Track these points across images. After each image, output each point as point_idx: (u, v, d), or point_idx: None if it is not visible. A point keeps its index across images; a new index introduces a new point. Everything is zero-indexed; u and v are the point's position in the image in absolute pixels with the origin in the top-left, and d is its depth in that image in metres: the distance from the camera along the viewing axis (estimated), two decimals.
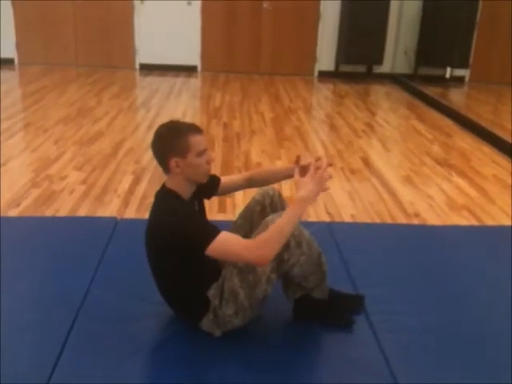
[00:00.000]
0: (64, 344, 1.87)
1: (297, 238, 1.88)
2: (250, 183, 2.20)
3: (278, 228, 1.74)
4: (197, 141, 1.83)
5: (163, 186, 1.91)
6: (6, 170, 3.73)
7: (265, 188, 2.18)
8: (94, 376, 1.76)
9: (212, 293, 1.89)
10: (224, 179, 2.17)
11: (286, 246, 1.85)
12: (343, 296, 2.16)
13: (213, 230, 1.76)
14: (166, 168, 1.86)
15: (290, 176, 2.07)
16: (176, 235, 1.77)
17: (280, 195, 2.17)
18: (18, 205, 3.15)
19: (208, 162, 1.88)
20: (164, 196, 1.88)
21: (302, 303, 2.05)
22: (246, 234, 2.05)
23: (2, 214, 3.00)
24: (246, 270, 1.86)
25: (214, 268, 1.95)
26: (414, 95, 6.95)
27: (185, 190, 1.87)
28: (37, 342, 1.90)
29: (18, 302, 2.12)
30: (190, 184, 1.89)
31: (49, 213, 3.06)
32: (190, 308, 1.94)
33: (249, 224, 2.11)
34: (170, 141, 1.83)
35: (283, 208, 2.11)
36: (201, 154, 1.84)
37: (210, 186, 2.09)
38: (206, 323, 1.92)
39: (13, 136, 4.50)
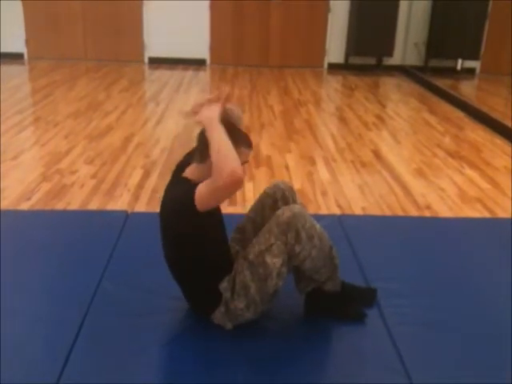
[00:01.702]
0: (75, 339, 1.87)
1: (308, 232, 1.88)
2: None
3: (215, 151, 1.68)
4: (246, 153, 1.83)
5: (179, 176, 1.87)
6: (17, 163, 3.74)
7: (276, 182, 2.18)
8: (105, 371, 1.76)
9: (224, 286, 1.89)
10: None
11: (298, 239, 1.85)
12: (355, 289, 2.15)
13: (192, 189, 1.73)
14: (203, 157, 1.80)
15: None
16: (177, 212, 1.77)
17: (291, 188, 2.16)
18: (29, 198, 3.16)
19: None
20: (183, 184, 1.82)
21: (313, 296, 2.04)
22: (258, 227, 2.05)
23: (14, 208, 3.02)
24: (257, 263, 1.86)
25: (227, 260, 1.95)
26: (425, 87, 6.89)
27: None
28: (48, 336, 1.90)
29: (28, 296, 2.13)
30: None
31: (59, 206, 3.07)
32: (204, 300, 1.94)
33: (260, 217, 2.10)
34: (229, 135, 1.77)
35: (294, 201, 2.10)
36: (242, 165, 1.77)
37: None
38: (218, 316, 1.92)
39: (23, 130, 4.52)
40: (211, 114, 1.77)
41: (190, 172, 1.86)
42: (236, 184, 1.66)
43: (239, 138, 1.82)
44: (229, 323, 1.92)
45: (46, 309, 2.05)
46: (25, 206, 3.06)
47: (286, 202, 2.07)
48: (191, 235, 1.82)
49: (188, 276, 1.93)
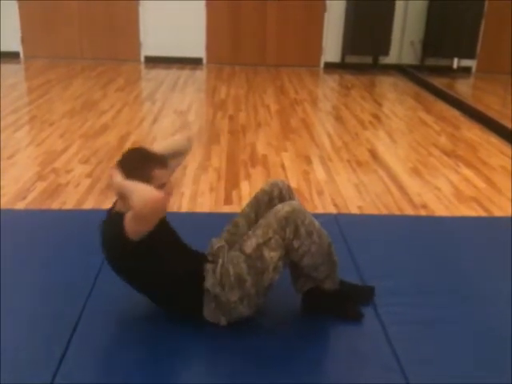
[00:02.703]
0: (70, 338, 1.87)
1: (307, 227, 1.88)
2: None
3: (129, 194, 1.73)
4: (160, 174, 1.83)
5: (111, 212, 1.91)
6: (13, 163, 3.73)
7: (274, 180, 2.19)
8: (101, 369, 1.76)
9: (210, 283, 1.88)
10: None
11: (297, 235, 1.85)
12: (353, 287, 2.15)
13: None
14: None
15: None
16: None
17: (289, 187, 2.16)
18: (24, 198, 3.15)
19: (169, 194, 1.89)
20: (114, 219, 1.85)
21: (311, 295, 2.04)
22: (251, 223, 2.05)
23: (9, 207, 3.01)
24: (254, 256, 1.86)
25: (194, 262, 1.95)
26: (421, 86, 6.90)
27: None
28: (43, 335, 1.90)
29: (23, 295, 2.12)
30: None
31: (55, 206, 3.06)
32: (186, 304, 1.94)
33: (254, 213, 2.10)
34: (136, 165, 1.82)
35: (291, 199, 2.10)
36: (161, 186, 1.82)
37: None
38: (209, 313, 1.91)
39: (19, 129, 4.50)
40: (113, 180, 1.81)
41: (118, 205, 1.88)
42: (152, 203, 1.68)
43: (152, 160, 1.84)
44: (223, 318, 1.92)
45: (41, 308, 2.04)
46: (20, 205, 3.05)
47: (283, 201, 2.07)
48: (141, 264, 1.84)
49: (160, 296, 1.95)
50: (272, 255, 1.86)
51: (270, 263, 1.86)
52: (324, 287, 2.02)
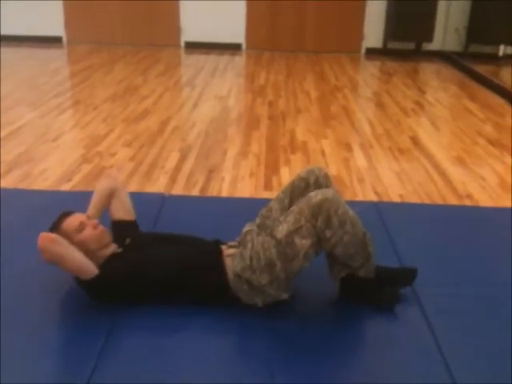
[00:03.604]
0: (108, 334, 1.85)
1: (340, 217, 1.86)
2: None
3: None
4: (69, 223, 1.96)
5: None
6: (58, 145, 3.82)
7: (311, 167, 2.18)
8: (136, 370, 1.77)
9: (240, 267, 1.91)
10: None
11: (329, 225, 1.84)
12: (392, 272, 2.12)
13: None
14: None
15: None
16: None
17: (326, 175, 2.15)
18: (70, 180, 3.23)
19: (95, 227, 1.98)
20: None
21: (347, 282, 2.03)
22: (284, 208, 2.06)
23: (55, 189, 3.08)
24: (285, 242, 1.86)
25: (206, 255, 2.00)
26: (465, 73, 6.72)
27: (98, 258, 1.96)
28: (82, 327, 1.91)
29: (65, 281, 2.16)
30: (97, 252, 1.97)
31: None
32: (216, 292, 1.97)
33: (289, 198, 2.10)
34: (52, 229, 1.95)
35: (328, 187, 2.08)
36: (80, 229, 1.94)
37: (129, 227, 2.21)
38: (245, 296, 1.93)
39: (63, 113, 4.60)
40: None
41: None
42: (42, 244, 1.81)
43: (56, 223, 1.99)
44: (258, 300, 1.93)
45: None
46: (66, 187, 3.12)
47: (319, 188, 2.06)
48: (137, 284, 1.94)
49: (186, 294, 1.98)
50: (303, 243, 1.85)
51: (301, 250, 1.86)
52: (359, 274, 2.01)
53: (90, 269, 1.89)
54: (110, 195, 2.23)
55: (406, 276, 2.12)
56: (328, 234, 1.85)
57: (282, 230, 1.88)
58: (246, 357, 1.79)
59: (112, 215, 2.23)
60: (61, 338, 1.83)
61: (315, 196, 1.88)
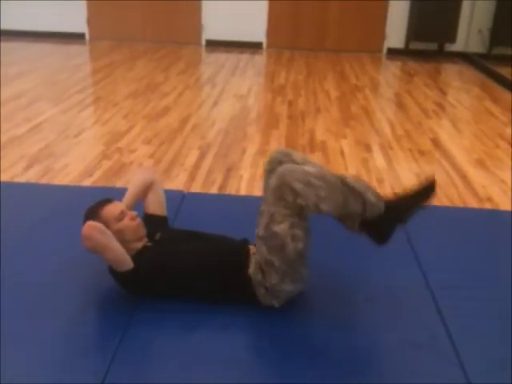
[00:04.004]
0: (124, 331, 1.86)
1: (302, 180, 1.82)
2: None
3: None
4: (109, 210, 1.97)
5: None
6: (79, 141, 3.86)
7: (270, 153, 2.12)
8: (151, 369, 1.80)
9: (252, 270, 1.92)
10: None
11: (295, 193, 1.80)
12: (405, 199, 2.00)
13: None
14: None
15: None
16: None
17: (287, 152, 2.07)
18: (91, 175, 3.26)
19: (133, 219, 1.99)
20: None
21: (364, 230, 1.98)
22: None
23: (77, 184, 3.12)
24: (267, 236, 1.86)
25: (227, 252, 2.01)
26: (488, 75, 6.64)
27: (130, 250, 1.96)
28: (99, 323, 1.94)
29: (86, 273, 2.19)
30: (130, 243, 1.98)
31: (119, 184, 3.15)
32: (238, 291, 1.97)
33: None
34: (88, 215, 1.99)
35: (294, 162, 2.00)
36: (120, 218, 1.96)
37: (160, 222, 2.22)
38: (262, 298, 1.93)
39: (85, 109, 4.65)
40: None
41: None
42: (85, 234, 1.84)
43: (95, 208, 2.02)
44: (274, 301, 1.93)
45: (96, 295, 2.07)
46: (87, 183, 3.16)
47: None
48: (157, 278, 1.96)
49: (207, 292, 1.99)
50: (282, 227, 1.83)
51: (285, 235, 1.84)
52: (367, 217, 1.94)
53: (127, 262, 1.90)
54: (148, 188, 2.23)
55: (425, 194, 2.01)
56: (301, 201, 1.81)
57: (261, 227, 1.90)
58: (257, 356, 1.80)
59: (147, 208, 2.24)
60: (78, 333, 1.85)
61: (272, 181, 1.86)
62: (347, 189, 1.89)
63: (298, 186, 1.81)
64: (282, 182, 1.82)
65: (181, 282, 1.96)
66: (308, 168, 1.89)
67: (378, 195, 1.96)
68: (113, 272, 1.95)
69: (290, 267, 1.89)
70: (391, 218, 1.97)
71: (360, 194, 1.91)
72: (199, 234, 2.12)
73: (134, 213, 2.03)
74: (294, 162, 2.01)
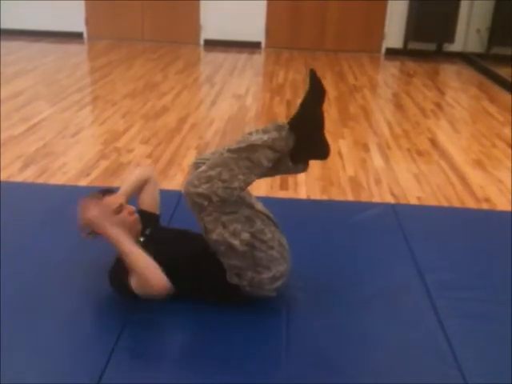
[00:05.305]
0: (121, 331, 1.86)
1: (202, 181, 1.81)
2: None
3: (129, 261, 1.82)
4: (110, 201, 1.96)
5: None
6: (77, 140, 3.85)
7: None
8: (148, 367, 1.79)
9: (228, 276, 1.91)
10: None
11: (205, 196, 1.80)
12: (298, 116, 1.98)
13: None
14: None
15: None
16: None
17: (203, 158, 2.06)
18: (88, 175, 3.26)
19: (131, 214, 1.98)
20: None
21: (302, 157, 1.99)
22: None
23: (74, 183, 3.11)
24: (214, 247, 1.88)
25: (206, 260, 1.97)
26: (486, 75, 6.64)
27: None
28: (95, 324, 1.94)
29: (81, 274, 2.18)
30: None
31: (117, 184, 3.13)
32: (231, 292, 1.95)
33: None
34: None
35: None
36: (117, 210, 1.95)
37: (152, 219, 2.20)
38: (253, 294, 1.93)
39: (83, 108, 4.64)
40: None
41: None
42: (160, 294, 1.80)
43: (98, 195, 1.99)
44: (265, 292, 1.92)
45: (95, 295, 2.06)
46: (84, 182, 3.15)
47: None
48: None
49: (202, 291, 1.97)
50: (217, 233, 1.84)
51: (224, 237, 1.84)
52: (290, 150, 1.93)
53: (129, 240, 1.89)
54: (144, 184, 2.24)
55: (313, 92, 2.03)
56: (215, 197, 1.80)
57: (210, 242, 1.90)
58: (256, 356, 1.79)
59: (141, 203, 2.24)
60: (75, 334, 1.85)
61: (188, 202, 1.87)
62: (245, 152, 1.84)
63: (202, 188, 1.81)
64: (189, 197, 1.84)
65: (170, 281, 1.93)
66: (202, 167, 1.87)
67: (276, 127, 1.90)
68: (111, 279, 1.94)
69: (253, 258, 1.87)
70: (308, 130, 1.96)
71: (258, 146, 1.85)
72: (189, 233, 2.10)
73: (133, 207, 2.02)
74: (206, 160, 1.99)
